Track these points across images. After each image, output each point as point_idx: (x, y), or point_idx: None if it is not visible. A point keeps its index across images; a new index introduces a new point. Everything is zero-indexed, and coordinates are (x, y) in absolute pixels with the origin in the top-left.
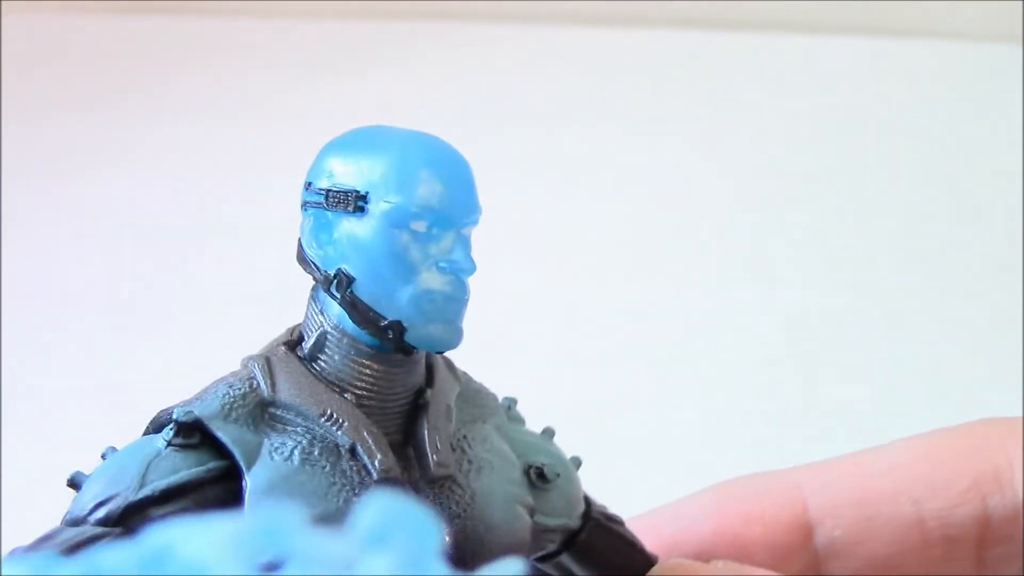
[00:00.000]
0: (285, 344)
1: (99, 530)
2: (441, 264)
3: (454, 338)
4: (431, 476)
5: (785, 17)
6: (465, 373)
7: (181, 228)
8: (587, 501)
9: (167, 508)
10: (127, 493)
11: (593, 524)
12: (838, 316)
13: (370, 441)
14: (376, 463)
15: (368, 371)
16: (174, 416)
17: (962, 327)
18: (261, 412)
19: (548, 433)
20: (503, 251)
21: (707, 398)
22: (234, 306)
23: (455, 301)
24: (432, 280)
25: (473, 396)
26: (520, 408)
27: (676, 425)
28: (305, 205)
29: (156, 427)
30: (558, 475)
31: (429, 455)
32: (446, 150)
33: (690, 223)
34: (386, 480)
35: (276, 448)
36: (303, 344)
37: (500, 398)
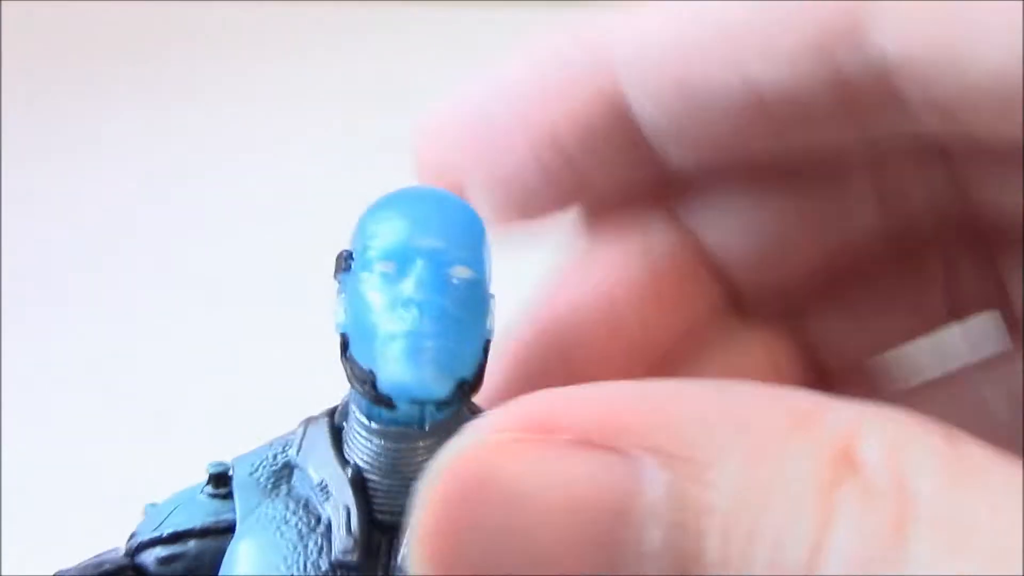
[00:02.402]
0: (331, 409)
1: (109, 559)
2: (403, 300)
3: (426, 384)
4: (396, 567)
5: None
6: None
7: (181, 216)
8: None
9: (169, 548)
10: (147, 531)
11: None
12: None
13: (343, 518)
14: (338, 543)
15: (368, 444)
16: (207, 467)
17: None
18: (287, 473)
19: None
20: (497, 240)
21: None
22: (232, 295)
23: (413, 336)
24: (395, 320)
25: None
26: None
27: None
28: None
29: None
30: None
31: (402, 545)
32: (420, 195)
33: None
34: (340, 563)
35: (267, 511)
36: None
37: None
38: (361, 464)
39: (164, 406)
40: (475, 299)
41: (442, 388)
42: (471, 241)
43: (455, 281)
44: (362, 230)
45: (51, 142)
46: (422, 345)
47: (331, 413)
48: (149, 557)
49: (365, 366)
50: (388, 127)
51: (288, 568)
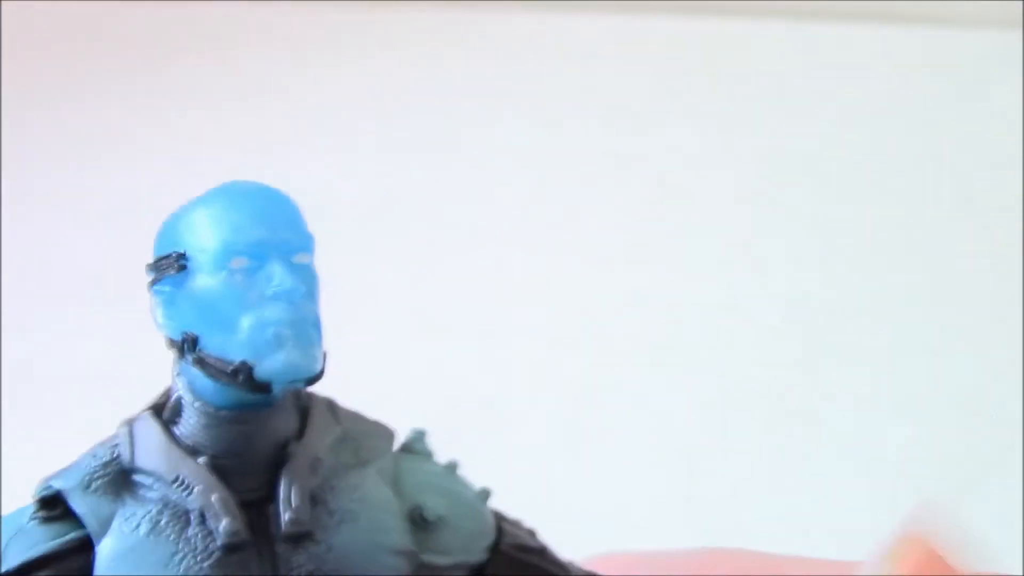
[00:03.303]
0: (152, 408)
1: None
2: (268, 293)
3: (304, 364)
4: (284, 534)
5: (782, 5)
6: (355, 413)
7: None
8: (501, 531)
9: None
10: None
11: (500, 558)
12: (835, 302)
13: (217, 505)
14: (221, 527)
15: (219, 432)
16: (34, 492)
17: (960, 313)
18: (123, 479)
19: (451, 467)
20: (500, 240)
21: (704, 385)
22: None
23: (291, 325)
24: (265, 310)
25: (359, 437)
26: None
27: (673, 412)
28: (149, 287)
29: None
30: (440, 516)
31: (282, 513)
32: (252, 189)
33: (687, 210)
34: (231, 545)
35: (127, 518)
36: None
37: (408, 431)
38: (212, 452)
39: None
40: (315, 279)
41: (317, 364)
42: (304, 229)
43: (301, 265)
44: (191, 231)
45: (55, 140)
46: (298, 330)
47: (155, 411)
48: None
49: (233, 359)
50: (391, 130)
51: (177, 565)
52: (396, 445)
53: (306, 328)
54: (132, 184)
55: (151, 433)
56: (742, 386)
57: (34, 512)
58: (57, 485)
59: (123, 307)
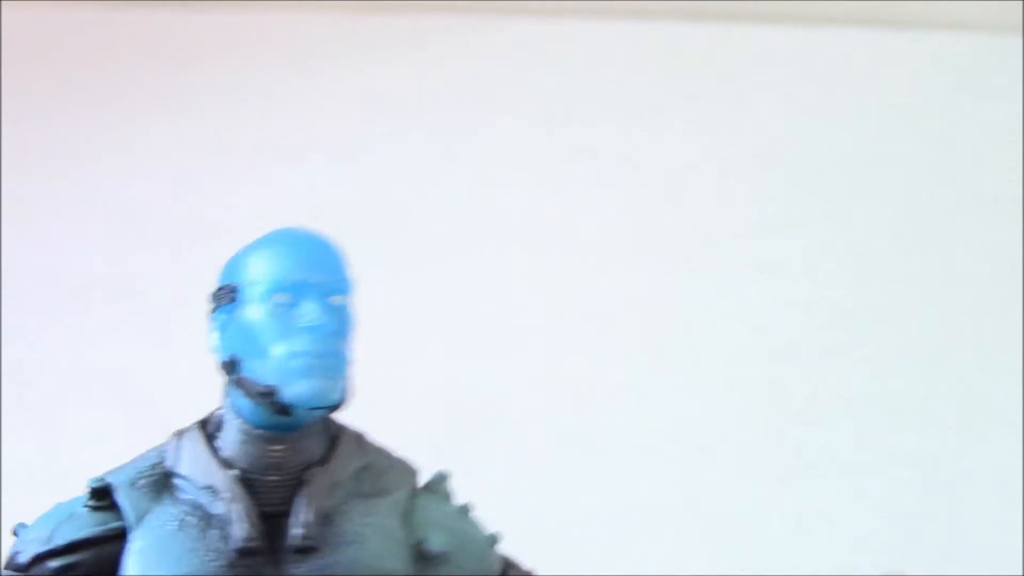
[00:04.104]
0: (200, 422)
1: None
2: (301, 326)
3: (325, 393)
4: (293, 546)
5: (785, 10)
6: (382, 449)
7: (181, 220)
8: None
9: (65, 559)
10: (36, 545)
11: None
12: (836, 302)
13: (236, 513)
14: (237, 533)
15: (252, 450)
16: (88, 482)
17: (960, 313)
18: (165, 481)
19: (464, 509)
20: (502, 242)
21: (706, 386)
22: None
23: (317, 356)
24: (295, 341)
25: (383, 470)
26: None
27: (674, 413)
28: (208, 315)
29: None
30: (443, 552)
31: (292, 527)
32: (301, 236)
33: (690, 212)
34: (244, 549)
35: (160, 515)
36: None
37: (434, 472)
38: (244, 466)
39: (171, 410)
40: (347, 319)
41: (337, 395)
42: (343, 273)
43: (335, 306)
44: (246, 268)
45: (56, 147)
46: (323, 362)
47: (201, 425)
48: (44, 570)
49: (266, 383)
50: (392, 134)
51: (200, 559)
52: (419, 483)
53: (331, 360)
54: (132, 188)
55: (194, 444)
56: (743, 387)
57: (86, 500)
58: (109, 479)
59: (123, 309)
